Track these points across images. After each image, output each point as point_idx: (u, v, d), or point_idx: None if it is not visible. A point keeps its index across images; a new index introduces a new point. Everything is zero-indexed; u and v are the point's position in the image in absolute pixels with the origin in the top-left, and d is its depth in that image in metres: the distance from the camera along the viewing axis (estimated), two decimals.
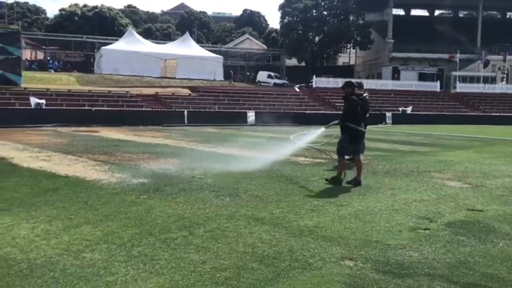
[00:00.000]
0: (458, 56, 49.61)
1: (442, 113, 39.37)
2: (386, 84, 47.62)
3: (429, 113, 38.43)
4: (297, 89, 44.69)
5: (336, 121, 8.41)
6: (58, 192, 6.90)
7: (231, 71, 46.20)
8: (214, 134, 20.58)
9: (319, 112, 34.86)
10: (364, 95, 10.84)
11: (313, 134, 10.46)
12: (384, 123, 33.07)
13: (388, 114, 34.46)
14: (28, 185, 7.45)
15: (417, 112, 38.29)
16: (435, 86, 48.52)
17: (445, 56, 52.99)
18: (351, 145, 7.99)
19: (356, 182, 7.91)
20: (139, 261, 4.05)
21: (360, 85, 11.05)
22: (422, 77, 51.39)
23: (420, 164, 10.96)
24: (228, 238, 4.78)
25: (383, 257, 4.29)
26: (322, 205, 6.34)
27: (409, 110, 37.87)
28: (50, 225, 5.14)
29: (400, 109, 37.65)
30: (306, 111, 34.33)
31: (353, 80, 11.42)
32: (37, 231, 4.88)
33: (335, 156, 11.14)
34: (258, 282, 3.66)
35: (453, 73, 50.82)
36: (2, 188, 7.17)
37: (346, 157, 10.94)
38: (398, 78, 50.26)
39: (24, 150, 12.49)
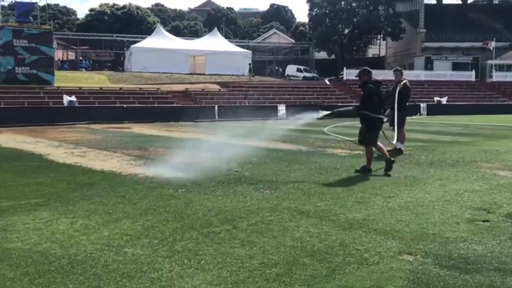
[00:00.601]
0: (493, 44, 47.92)
1: (479, 103, 38.13)
2: (419, 74, 46.41)
3: (465, 103, 37.23)
4: (327, 82, 44.09)
5: (349, 108, 8.37)
6: (95, 187, 6.78)
7: (250, 65, 45.07)
8: (245, 128, 20.34)
9: (351, 104, 34.20)
10: (404, 81, 10.48)
11: (310, 116, 10.06)
12: (418, 114, 32.19)
13: (423, 105, 33.50)
14: (64, 180, 7.37)
15: (452, 103, 37.16)
16: (470, 75, 47.08)
17: (480, 44, 51.32)
18: (370, 133, 7.84)
19: (364, 170, 7.84)
20: (183, 257, 3.83)
21: (400, 71, 10.75)
22: (456, 66, 49.98)
23: (465, 154, 10.44)
24: (273, 232, 4.51)
25: (444, 251, 3.95)
26: (369, 197, 6.01)
27: (444, 100, 36.79)
28: (89, 219, 4.98)
29: (435, 99, 36.59)
30: (337, 104, 33.72)
31: (399, 68, 11.06)
32: (76, 226, 4.72)
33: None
34: (312, 279, 3.39)
35: (489, 61, 49.19)
36: (40, 183, 7.10)
37: (400, 146, 10.56)
38: (431, 69, 48.98)
39: (59, 146, 12.53)
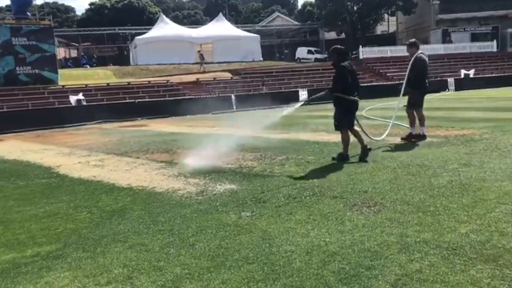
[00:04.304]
0: None
1: (505, 74, 35.93)
2: (438, 48, 44.07)
3: (492, 75, 35.07)
4: None
5: (323, 93, 7.57)
6: (127, 216, 5.00)
7: (201, 52, 39.93)
8: (272, 118, 18.44)
9: (372, 84, 32.24)
10: (416, 54, 8.78)
11: (292, 108, 9.36)
12: (446, 90, 30.14)
13: (450, 80, 31.39)
14: (84, 206, 5.59)
15: (479, 76, 34.98)
16: (491, 46, 44.74)
17: (498, 13, 48.78)
18: (346, 116, 7.33)
19: (341, 157, 7.32)
20: None
21: (410, 45, 9.02)
22: (475, 37, 47.62)
23: None
24: None
25: None
26: None
27: (471, 73, 34.60)
28: (133, 286, 3.19)
29: (462, 73, 34.38)
30: (361, 85, 31.73)
31: (411, 41, 9.21)
32: None
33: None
34: None
35: (509, 30, 46.75)
36: (52, 214, 5.32)
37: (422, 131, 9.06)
38: (450, 41, 46.63)
39: (71, 154, 10.77)
